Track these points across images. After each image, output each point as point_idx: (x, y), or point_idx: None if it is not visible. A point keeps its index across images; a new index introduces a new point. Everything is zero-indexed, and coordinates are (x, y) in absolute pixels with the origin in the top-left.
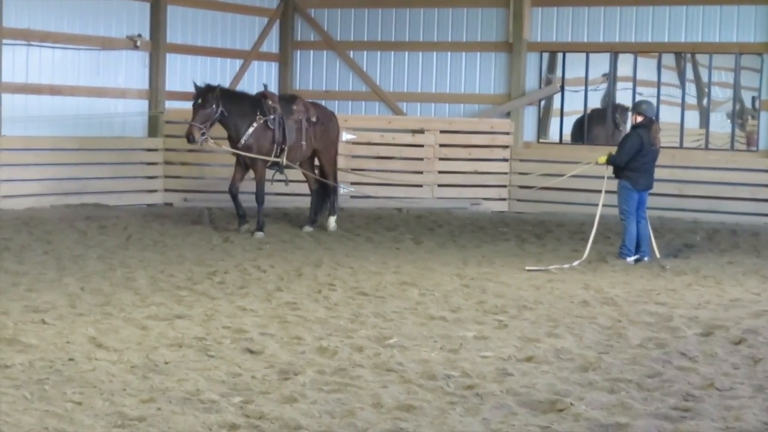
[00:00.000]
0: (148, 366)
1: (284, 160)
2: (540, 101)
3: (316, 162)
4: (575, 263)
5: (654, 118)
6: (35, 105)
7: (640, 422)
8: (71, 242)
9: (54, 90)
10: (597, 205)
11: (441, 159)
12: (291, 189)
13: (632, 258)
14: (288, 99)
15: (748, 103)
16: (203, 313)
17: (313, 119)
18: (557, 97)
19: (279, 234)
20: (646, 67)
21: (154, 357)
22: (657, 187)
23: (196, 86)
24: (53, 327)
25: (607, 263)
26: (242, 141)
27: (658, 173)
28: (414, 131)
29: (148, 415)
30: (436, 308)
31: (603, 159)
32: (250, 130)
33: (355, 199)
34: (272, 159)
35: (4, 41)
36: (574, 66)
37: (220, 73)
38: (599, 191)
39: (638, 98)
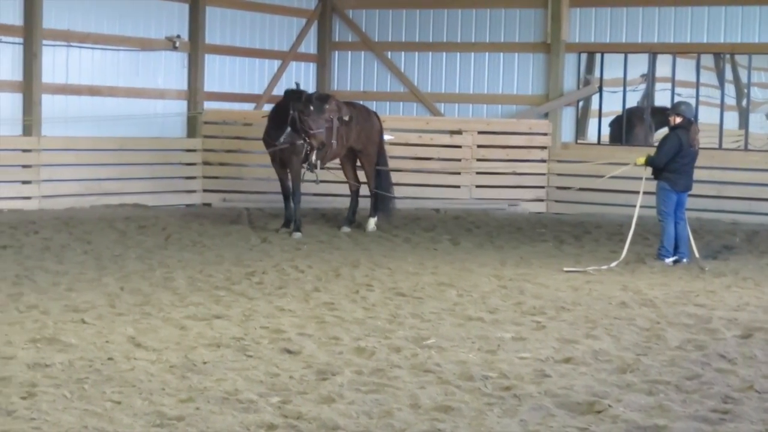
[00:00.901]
0: (187, 366)
1: (314, 159)
2: (578, 102)
3: (358, 162)
4: (613, 264)
5: (692, 119)
6: (75, 106)
7: (679, 424)
8: (111, 242)
9: (93, 91)
10: (635, 206)
11: (479, 160)
12: (329, 189)
13: (671, 259)
14: (320, 98)
15: None
16: (241, 313)
17: (346, 118)
18: (595, 98)
19: (317, 234)
20: (685, 68)
21: (192, 357)
22: (696, 189)
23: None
24: (93, 326)
25: (645, 264)
26: (281, 139)
27: (697, 174)
28: (452, 132)
29: (187, 414)
30: (473, 309)
31: (641, 160)
32: (288, 129)
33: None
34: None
35: (44, 42)
36: (612, 67)
37: (258, 74)
38: (637, 192)
39: (677, 99)
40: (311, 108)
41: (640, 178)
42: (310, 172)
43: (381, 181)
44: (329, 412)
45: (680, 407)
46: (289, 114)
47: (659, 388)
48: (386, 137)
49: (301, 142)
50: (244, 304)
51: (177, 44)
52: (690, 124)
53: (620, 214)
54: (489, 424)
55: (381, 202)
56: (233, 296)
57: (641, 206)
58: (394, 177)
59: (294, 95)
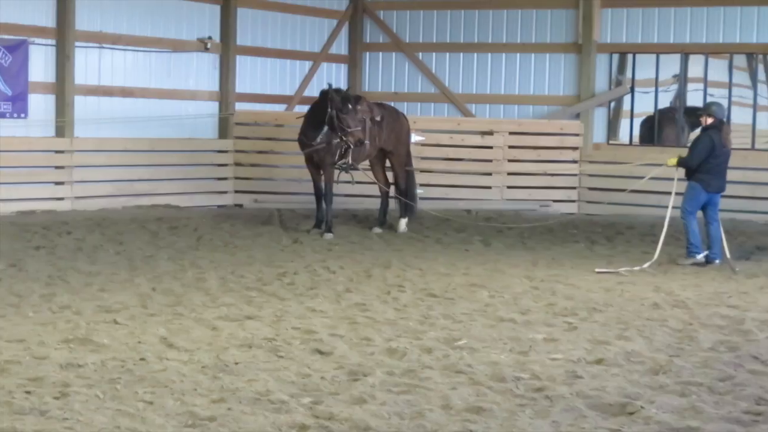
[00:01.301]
0: (219, 366)
1: (349, 160)
2: (610, 103)
3: (388, 163)
4: (645, 265)
5: (724, 119)
6: (107, 107)
7: (712, 426)
8: (143, 243)
9: (125, 92)
10: (667, 207)
11: (510, 161)
12: (360, 190)
13: (701, 255)
14: (355, 98)
15: None
16: (273, 314)
17: (377, 118)
18: (627, 99)
19: (348, 235)
20: (717, 68)
21: (224, 357)
22: (729, 189)
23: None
24: (125, 327)
25: (678, 265)
26: (318, 139)
27: (730, 175)
28: (483, 133)
29: (219, 415)
30: (505, 310)
31: (673, 161)
32: (325, 128)
33: (423, 200)
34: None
35: (77, 44)
36: (644, 67)
37: (289, 76)
38: (669, 193)
39: (709, 100)
40: (349, 106)
41: (672, 179)
42: (346, 172)
43: (406, 182)
44: (361, 413)
45: (713, 409)
46: (326, 113)
47: (692, 389)
48: (416, 138)
49: (337, 141)
50: (276, 304)
51: (208, 46)
52: (722, 124)
53: (652, 215)
54: (521, 425)
55: (406, 203)
56: (265, 297)
57: (673, 207)
58: (426, 178)
59: (334, 93)
